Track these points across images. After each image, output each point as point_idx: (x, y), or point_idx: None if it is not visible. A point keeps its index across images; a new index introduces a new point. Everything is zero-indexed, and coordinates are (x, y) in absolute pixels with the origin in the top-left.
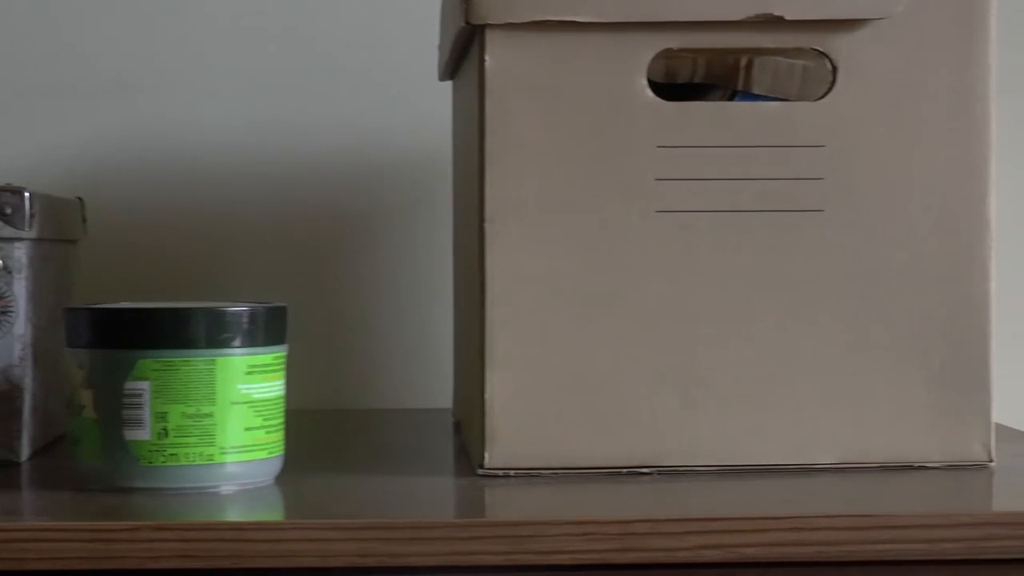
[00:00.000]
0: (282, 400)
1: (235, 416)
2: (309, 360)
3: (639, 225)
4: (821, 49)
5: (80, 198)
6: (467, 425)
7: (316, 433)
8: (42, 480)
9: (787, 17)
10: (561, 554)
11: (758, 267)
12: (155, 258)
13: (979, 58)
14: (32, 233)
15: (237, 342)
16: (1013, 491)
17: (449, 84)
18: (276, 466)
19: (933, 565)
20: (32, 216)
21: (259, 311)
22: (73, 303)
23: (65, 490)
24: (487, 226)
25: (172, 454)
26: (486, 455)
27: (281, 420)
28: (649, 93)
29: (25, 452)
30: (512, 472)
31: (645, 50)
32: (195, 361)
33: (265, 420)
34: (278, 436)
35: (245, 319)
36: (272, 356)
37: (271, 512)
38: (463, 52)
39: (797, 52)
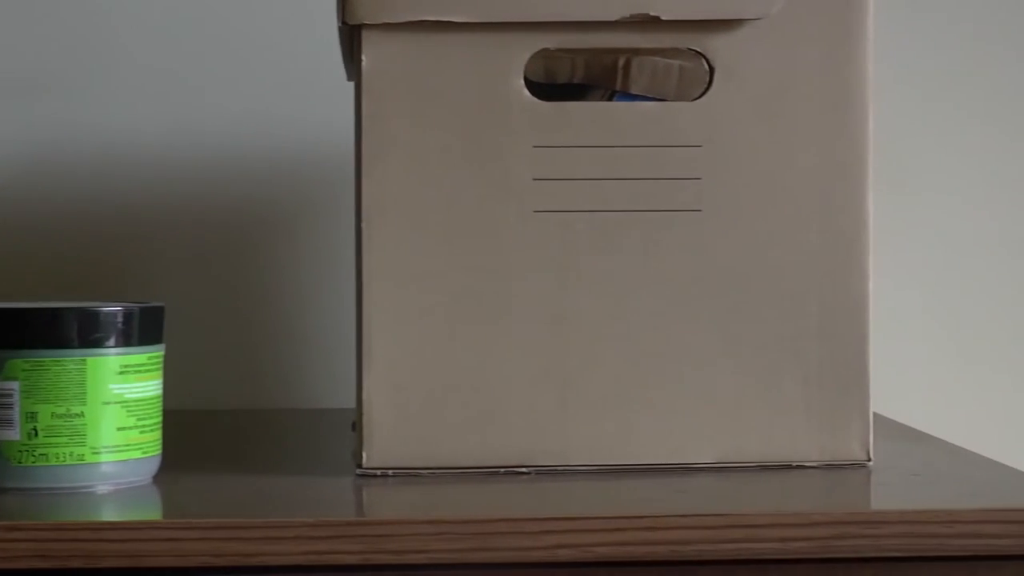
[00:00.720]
0: (159, 400)
1: (107, 416)
2: (213, 360)
3: (516, 225)
4: (698, 49)
5: None
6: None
7: (212, 432)
8: None
9: (663, 17)
10: (417, 553)
11: (635, 267)
12: (56, 259)
13: (857, 58)
14: None
15: (110, 342)
16: (885, 490)
17: None
18: (152, 466)
19: (787, 564)
20: None
21: (133, 311)
22: None
23: None
24: (363, 226)
25: (42, 454)
26: (364, 455)
27: (158, 420)
28: (526, 93)
29: None
30: (390, 472)
31: (521, 50)
32: (65, 361)
33: (139, 420)
34: (154, 436)
35: (118, 319)
36: (147, 356)
37: (140, 511)
38: (348, 52)
39: (675, 52)
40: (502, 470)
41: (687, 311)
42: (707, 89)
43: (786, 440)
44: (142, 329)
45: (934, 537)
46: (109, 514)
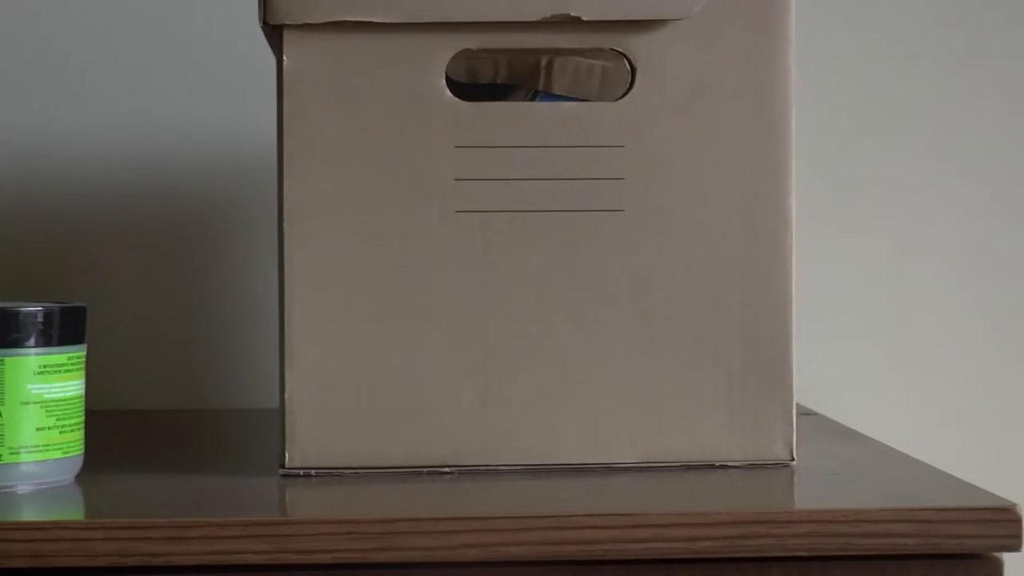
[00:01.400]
0: (80, 400)
1: (26, 416)
2: (142, 360)
3: (438, 225)
4: (620, 49)
5: None
6: None
7: (140, 433)
8: None
9: (584, 18)
10: (323, 553)
11: (558, 267)
12: None
13: (778, 58)
14: None
15: (30, 342)
16: (801, 490)
17: None
18: (74, 466)
19: (694, 564)
20: None
21: (53, 311)
22: None
23: None
24: (285, 226)
25: None
26: (286, 455)
27: (79, 420)
28: (447, 93)
29: None
30: (313, 472)
31: (443, 50)
32: None
33: (59, 420)
34: (75, 436)
35: (38, 319)
36: (67, 356)
37: (54, 511)
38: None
39: (597, 52)
40: (425, 470)
41: (609, 311)
42: (629, 89)
43: (709, 440)
44: (63, 329)
45: (841, 536)
46: (23, 514)
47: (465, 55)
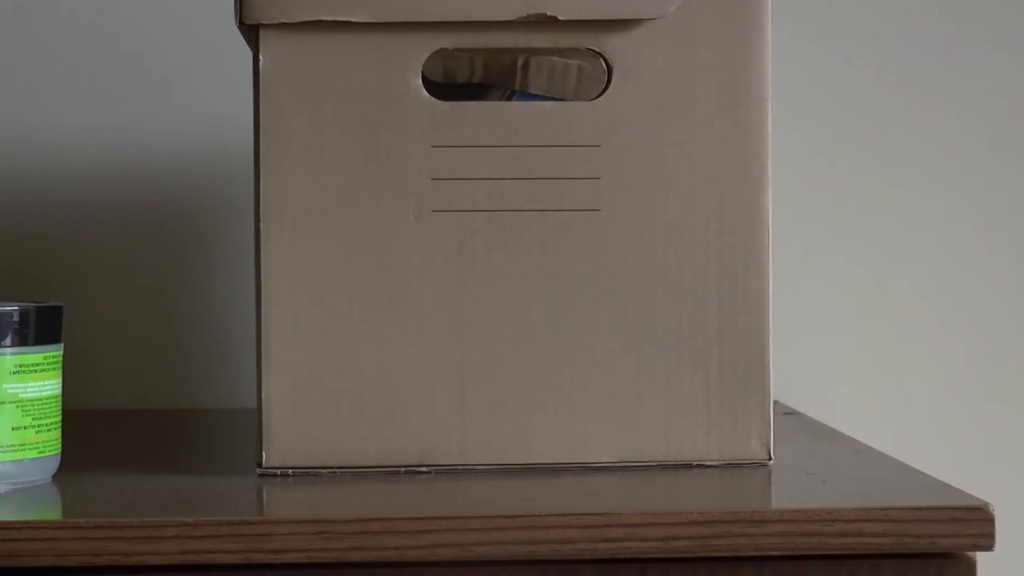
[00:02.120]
0: (56, 399)
1: (1, 415)
2: (122, 360)
3: (414, 224)
4: (596, 49)
5: None
6: None
7: (118, 432)
8: None
9: (560, 17)
10: (296, 552)
11: (534, 266)
12: None
13: (754, 58)
14: None
15: (6, 341)
16: (776, 489)
17: None
18: (50, 465)
19: (666, 563)
20: None
21: (29, 310)
22: None
23: None
24: (261, 226)
25: None
26: (263, 455)
27: (56, 419)
28: (424, 93)
29: None
30: (291, 472)
31: (419, 50)
32: None
33: (35, 420)
34: (52, 435)
35: (14, 318)
36: (43, 356)
37: (28, 511)
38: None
39: (573, 52)
40: (402, 470)
41: (586, 310)
42: (605, 89)
43: (686, 440)
44: (39, 329)
45: (813, 536)
46: (11, 514)
47: (441, 55)
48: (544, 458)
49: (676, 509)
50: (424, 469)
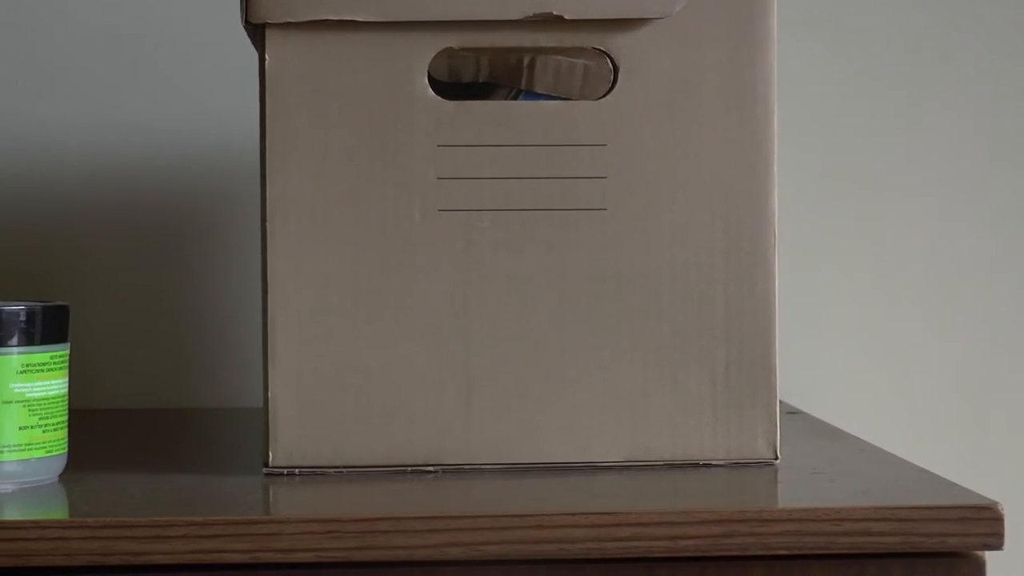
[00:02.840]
0: (63, 399)
1: (8, 415)
2: (128, 359)
3: (420, 224)
4: (602, 48)
5: None
6: None
7: (125, 432)
8: None
9: (566, 16)
10: (304, 552)
11: (540, 266)
12: None
13: (760, 57)
14: None
15: (12, 341)
16: (783, 488)
17: None
18: (57, 465)
19: (675, 562)
20: None
21: (36, 309)
22: None
23: None
24: (267, 225)
25: None
26: (270, 454)
27: (62, 419)
28: (429, 92)
29: None
30: (297, 471)
31: (425, 49)
32: None
33: (42, 419)
34: (58, 435)
35: (21, 318)
36: (50, 355)
37: (36, 511)
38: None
39: (579, 51)
40: (409, 469)
41: (593, 310)
42: (611, 88)
43: (693, 439)
44: (45, 328)
45: (822, 535)
46: (5, 513)
47: (447, 54)
48: (550, 457)
49: (684, 508)
50: (430, 469)
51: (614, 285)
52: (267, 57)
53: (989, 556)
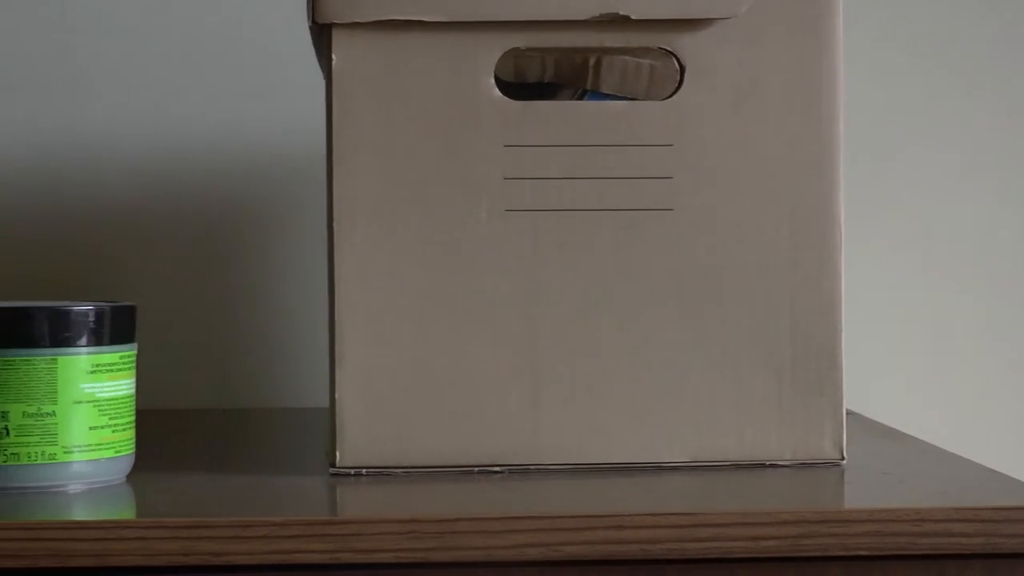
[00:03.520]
0: (131, 399)
1: (78, 415)
2: (191, 359)
3: (487, 224)
4: (668, 48)
5: None
6: None
7: (189, 432)
8: None
9: (633, 16)
10: (384, 552)
11: (607, 266)
12: (31, 259)
13: (826, 56)
14: None
15: (81, 341)
16: (855, 489)
17: None
18: (125, 465)
19: (755, 563)
20: None
21: (104, 310)
22: None
23: None
24: (335, 226)
25: (14, 453)
26: (337, 454)
27: (130, 419)
28: (496, 92)
29: None
30: (364, 471)
31: (491, 49)
32: (36, 360)
33: (111, 419)
34: (127, 435)
35: (90, 318)
36: (119, 355)
37: (111, 511)
38: (321, 52)
39: (645, 51)
40: (475, 469)
41: (658, 310)
42: (677, 88)
43: (759, 439)
44: (113, 328)
45: (902, 536)
46: (80, 513)
47: (513, 54)
48: (616, 458)
49: (764, 509)
50: (497, 469)
51: (680, 285)
52: (334, 57)
53: None
